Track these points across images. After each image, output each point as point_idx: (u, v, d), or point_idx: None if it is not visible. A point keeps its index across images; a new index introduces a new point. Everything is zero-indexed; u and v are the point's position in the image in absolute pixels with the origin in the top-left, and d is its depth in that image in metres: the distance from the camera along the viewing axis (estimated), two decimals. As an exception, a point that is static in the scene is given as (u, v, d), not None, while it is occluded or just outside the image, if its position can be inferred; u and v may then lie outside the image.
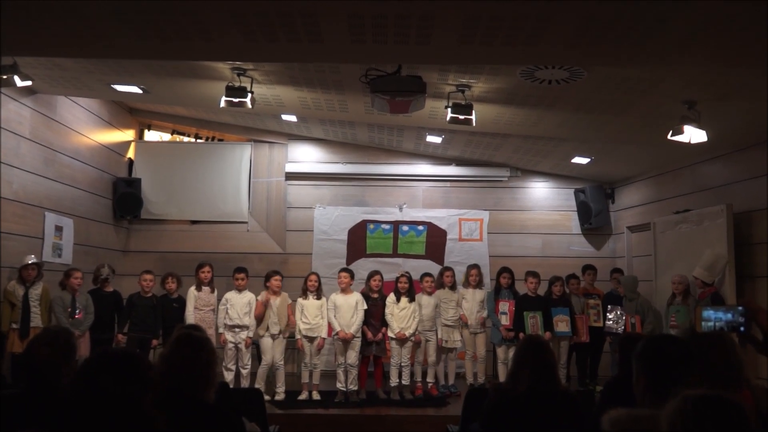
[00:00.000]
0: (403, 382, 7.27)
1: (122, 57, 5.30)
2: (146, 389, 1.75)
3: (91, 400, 1.68)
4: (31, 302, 6.22)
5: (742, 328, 2.27)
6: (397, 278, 7.41)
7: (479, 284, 7.76)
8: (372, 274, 7.38)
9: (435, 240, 9.42)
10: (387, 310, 7.24)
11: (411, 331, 7.22)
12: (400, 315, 7.23)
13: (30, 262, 6.28)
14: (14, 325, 6.08)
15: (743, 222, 6.62)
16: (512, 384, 2.95)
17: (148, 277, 7.20)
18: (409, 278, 7.39)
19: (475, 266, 7.85)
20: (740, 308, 2.29)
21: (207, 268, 7.23)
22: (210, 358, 2.26)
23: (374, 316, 7.22)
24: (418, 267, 8.70)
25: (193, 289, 7.17)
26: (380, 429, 6.34)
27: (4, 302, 6.13)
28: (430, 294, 7.53)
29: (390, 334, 7.22)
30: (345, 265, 8.59)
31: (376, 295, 7.30)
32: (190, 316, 6.97)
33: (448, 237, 9.43)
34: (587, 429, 2.72)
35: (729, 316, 2.30)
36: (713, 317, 2.40)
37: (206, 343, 2.30)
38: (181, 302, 7.25)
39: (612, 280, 8.10)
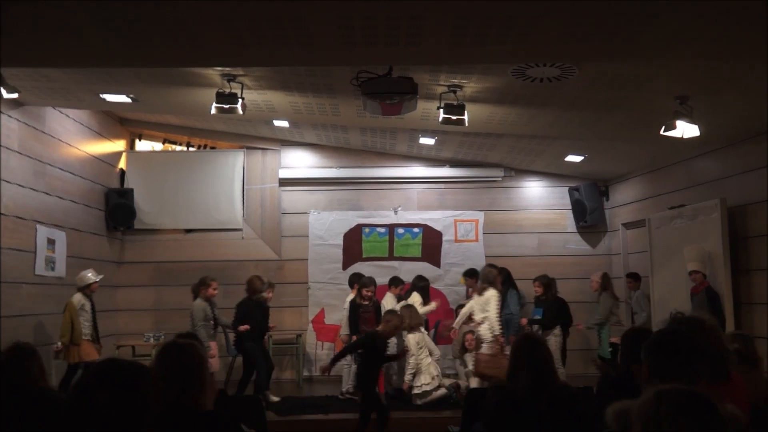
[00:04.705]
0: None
1: (111, 65, 5.26)
2: (146, 407, 1.62)
3: (86, 417, 1.58)
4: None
5: None
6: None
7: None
8: (366, 283, 7.43)
9: (431, 242, 9.40)
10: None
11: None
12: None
13: (97, 279, 6.90)
14: (85, 336, 6.64)
15: (737, 216, 6.63)
16: (512, 383, 2.94)
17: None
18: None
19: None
20: None
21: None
22: (194, 362, 2.20)
23: (366, 323, 7.27)
24: (414, 270, 8.72)
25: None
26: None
27: (66, 315, 6.56)
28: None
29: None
30: (341, 270, 8.73)
31: (367, 302, 7.38)
32: None
33: (444, 238, 9.41)
34: (589, 423, 2.71)
35: None
36: None
37: (188, 349, 2.24)
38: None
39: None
